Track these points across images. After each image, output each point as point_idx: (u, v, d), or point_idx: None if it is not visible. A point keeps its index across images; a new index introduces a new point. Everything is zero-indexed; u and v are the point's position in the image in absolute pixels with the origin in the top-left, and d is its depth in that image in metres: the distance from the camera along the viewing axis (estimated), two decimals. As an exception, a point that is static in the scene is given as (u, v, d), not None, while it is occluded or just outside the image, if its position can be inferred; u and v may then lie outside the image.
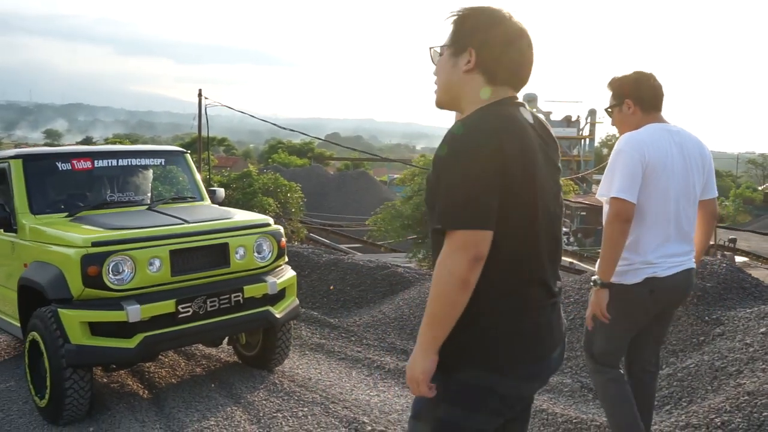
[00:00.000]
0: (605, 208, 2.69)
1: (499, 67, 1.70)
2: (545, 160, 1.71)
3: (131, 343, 3.89)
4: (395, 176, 43.26)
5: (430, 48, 1.81)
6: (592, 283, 2.71)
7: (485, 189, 1.53)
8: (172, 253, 4.10)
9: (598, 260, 2.69)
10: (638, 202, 2.62)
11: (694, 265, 2.84)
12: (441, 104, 1.81)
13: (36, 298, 4.17)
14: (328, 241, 23.68)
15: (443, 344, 1.60)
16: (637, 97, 2.81)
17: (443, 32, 1.77)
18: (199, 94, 18.01)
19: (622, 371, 2.92)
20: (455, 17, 1.74)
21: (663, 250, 2.69)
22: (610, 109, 2.92)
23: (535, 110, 2.23)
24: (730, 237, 29.68)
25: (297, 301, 4.77)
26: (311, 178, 37.88)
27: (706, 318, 4.63)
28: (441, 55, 1.77)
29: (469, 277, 1.52)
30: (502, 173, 1.55)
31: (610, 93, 2.91)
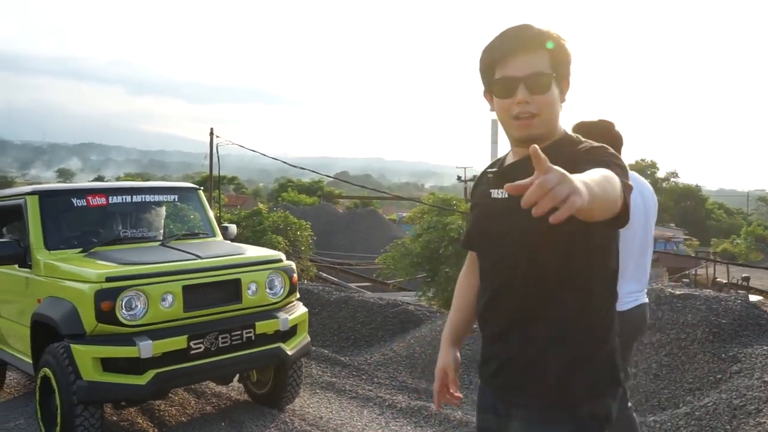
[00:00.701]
0: None
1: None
2: None
3: (143, 379, 3.87)
4: (404, 215, 43.31)
5: (539, 74, 1.58)
6: None
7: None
8: (185, 288, 4.11)
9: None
10: None
11: (647, 300, 3.03)
12: (534, 138, 1.56)
13: (48, 333, 4.17)
14: (337, 280, 23.63)
15: (567, 381, 1.54)
16: (616, 146, 2.86)
17: (536, 50, 1.57)
18: (211, 133, 18.26)
19: None
20: (558, 40, 1.58)
21: (625, 288, 2.77)
22: None
23: None
24: (744, 275, 29.35)
25: (308, 338, 4.75)
26: (320, 216, 37.99)
27: (723, 355, 4.56)
28: (543, 82, 1.57)
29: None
30: None
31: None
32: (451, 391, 1.86)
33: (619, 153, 2.66)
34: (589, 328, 1.57)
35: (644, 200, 2.95)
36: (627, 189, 1.36)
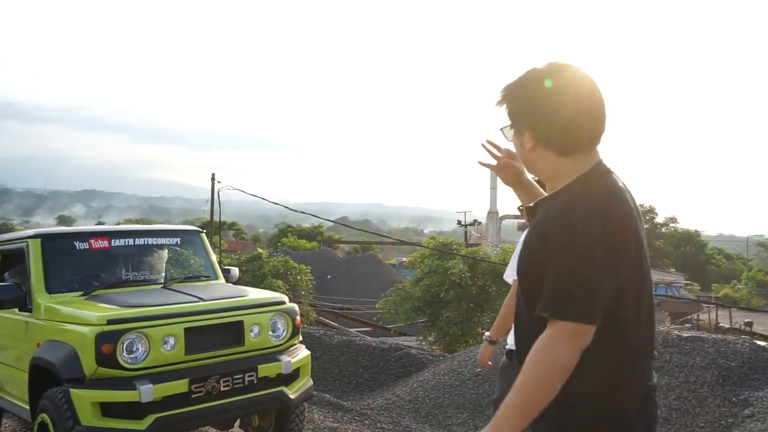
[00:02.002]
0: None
1: (560, 139, 1.61)
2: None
3: (142, 424, 3.79)
4: (404, 259, 43.18)
5: (501, 128, 1.77)
6: (485, 339, 3.38)
7: (600, 278, 1.46)
8: (187, 331, 4.06)
9: (495, 323, 3.31)
10: None
11: None
12: (536, 176, 1.83)
13: (47, 378, 4.10)
14: (337, 325, 23.41)
15: (562, 419, 1.54)
16: None
17: (500, 105, 1.72)
18: (212, 178, 18.37)
19: None
20: (504, 95, 1.68)
21: None
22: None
23: None
24: (746, 320, 29.14)
25: (311, 382, 4.67)
26: (320, 261, 37.86)
27: (734, 399, 4.48)
28: (507, 133, 1.76)
29: (571, 367, 1.46)
30: (618, 252, 1.50)
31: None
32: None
33: None
34: (582, 371, 1.50)
35: None
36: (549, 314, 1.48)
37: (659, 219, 60.21)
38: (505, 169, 2.00)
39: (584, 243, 1.47)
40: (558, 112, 1.58)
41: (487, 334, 3.41)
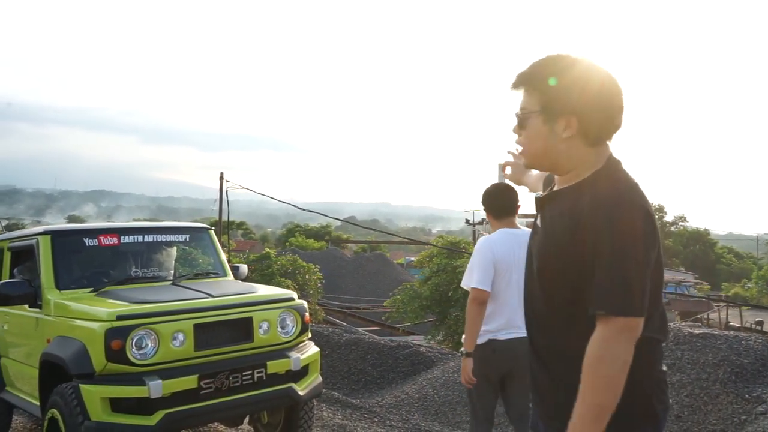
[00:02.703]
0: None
1: (600, 128, 1.60)
2: None
3: (152, 420, 3.79)
4: (412, 259, 43.12)
5: (516, 113, 1.68)
6: (460, 354, 3.43)
7: (646, 271, 1.49)
8: (196, 327, 4.05)
9: (465, 335, 3.42)
10: (492, 289, 3.40)
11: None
12: (533, 167, 1.77)
13: (56, 374, 4.11)
14: (345, 324, 23.41)
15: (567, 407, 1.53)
16: (489, 208, 3.57)
17: (521, 91, 1.66)
18: (221, 177, 18.42)
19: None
20: (536, 75, 1.62)
21: (503, 324, 3.43)
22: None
23: None
24: (757, 319, 28.94)
25: (320, 379, 4.66)
26: (328, 260, 37.87)
27: (747, 396, 4.44)
28: (525, 119, 1.65)
29: (630, 360, 1.48)
30: (655, 244, 1.53)
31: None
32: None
33: (511, 212, 3.51)
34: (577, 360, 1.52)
35: (521, 251, 3.10)
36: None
37: (668, 218, 59.87)
38: (513, 167, 2.26)
39: (633, 239, 1.48)
40: (604, 100, 1.58)
41: (462, 350, 3.47)
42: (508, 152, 2.42)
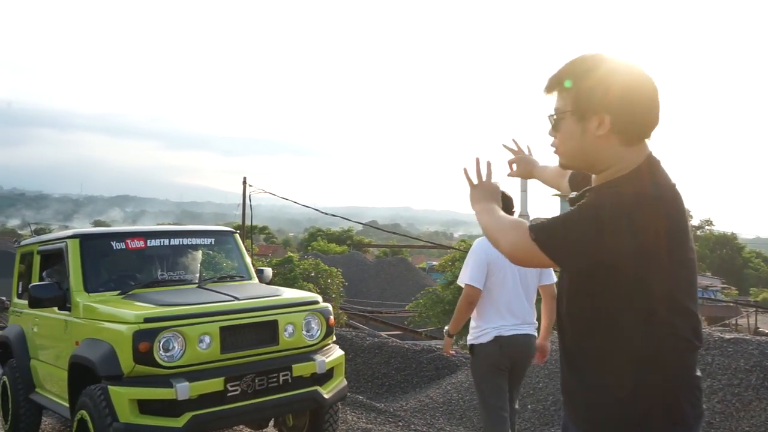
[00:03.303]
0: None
1: (635, 126, 1.58)
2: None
3: (179, 422, 3.81)
4: (434, 263, 42.97)
5: (549, 115, 1.68)
6: (444, 332, 4.03)
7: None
8: (222, 329, 4.07)
9: (451, 321, 3.88)
10: (485, 287, 3.72)
11: (530, 332, 3.83)
12: (568, 168, 1.78)
13: (85, 376, 4.16)
14: (367, 329, 23.38)
15: (610, 405, 1.57)
16: None
17: (553, 93, 1.66)
18: (244, 182, 18.55)
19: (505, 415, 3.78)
20: (568, 75, 1.62)
21: (504, 320, 3.75)
22: None
23: None
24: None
25: (345, 382, 4.65)
26: (350, 264, 37.91)
27: (780, 402, 4.33)
28: (559, 119, 1.65)
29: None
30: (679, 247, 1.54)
31: None
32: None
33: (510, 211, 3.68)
34: (636, 361, 1.54)
35: None
36: (533, 229, 1.58)
37: (694, 222, 59.01)
38: (518, 162, 2.34)
39: (656, 237, 1.49)
40: (640, 98, 1.57)
41: (446, 328, 4.00)
42: (504, 146, 2.41)
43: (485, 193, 1.88)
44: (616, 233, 1.47)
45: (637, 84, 1.58)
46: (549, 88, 1.67)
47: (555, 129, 1.68)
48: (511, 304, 3.76)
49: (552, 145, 1.72)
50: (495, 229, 1.70)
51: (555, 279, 3.86)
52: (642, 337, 1.53)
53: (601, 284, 1.54)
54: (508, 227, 1.65)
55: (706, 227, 61.49)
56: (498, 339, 3.72)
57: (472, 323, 3.88)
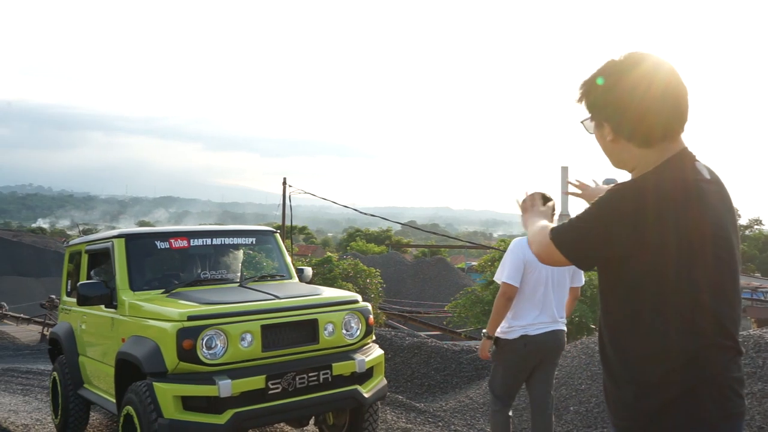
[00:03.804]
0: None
1: (640, 131, 1.63)
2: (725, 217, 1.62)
3: (221, 419, 3.86)
4: (473, 263, 42.69)
5: (581, 121, 1.82)
6: (482, 334, 4.06)
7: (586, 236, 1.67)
8: (264, 328, 4.12)
9: (489, 320, 3.98)
10: (520, 286, 3.88)
11: (559, 328, 4.00)
12: (618, 167, 1.83)
13: (131, 372, 4.25)
14: (406, 329, 23.37)
15: (648, 404, 1.57)
16: None
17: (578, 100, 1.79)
18: (284, 183, 18.73)
19: (510, 412, 4.05)
20: (585, 86, 1.73)
21: (533, 319, 3.92)
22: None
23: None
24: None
25: (385, 381, 4.65)
26: (389, 264, 37.94)
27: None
28: (588, 127, 1.79)
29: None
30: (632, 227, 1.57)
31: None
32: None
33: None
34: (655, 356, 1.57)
35: None
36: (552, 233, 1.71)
37: (743, 221, 57.27)
38: (588, 199, 2.33)
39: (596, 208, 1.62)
40: (630, 106, 1.62)
41: (484, 330, 4.07)
42: (568, 193, 2.49)
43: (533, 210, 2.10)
44: (620, 230, 1.53)
45: (641, 89, 1.60)
46: (578, 98, 1.78)
47: (589, 132, 1.80)
48: (543, 303, 3.94)
49: None
50: (530, 234, 1.92)
51: (583, 281, 4.13)
52: (659, 335, 1.55)
53: (617, 281, 1.61)
54: (537, 230, 1.82)
55: (755, 227, 59.59)
56: (524, 338, 3.92)
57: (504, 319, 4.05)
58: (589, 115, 1.74)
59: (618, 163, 1.74)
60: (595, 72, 1.70)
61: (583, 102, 1.73)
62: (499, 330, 3.99)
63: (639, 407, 1.57)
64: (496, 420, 4.06)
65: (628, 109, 1.61)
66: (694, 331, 1.54)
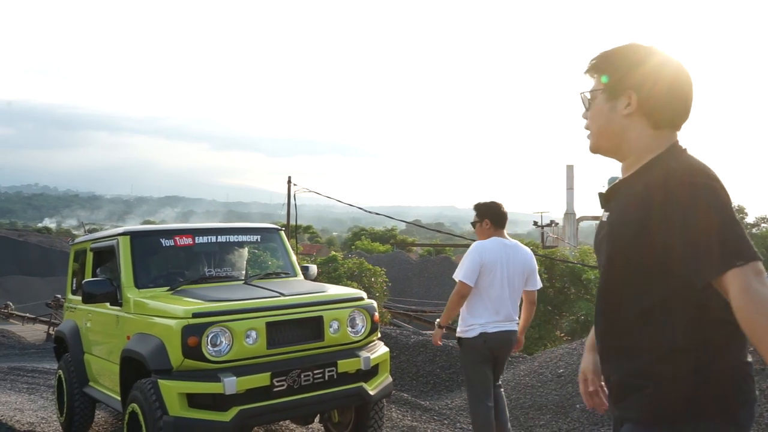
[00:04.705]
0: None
1: (663, 108, 1.60)
2: None
3: (227, 416, 3.85)
4: (478, 262, 42.56)
5: (581, 93, 1.74)
6: (435, 324, 4.45)
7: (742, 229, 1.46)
8: (269, 325, 4.10)
9: (443, 313, 4.34)
10: (476, 285, 4.18)
11: (513, 328, 4.30)
12: (597, 150, 1.74)
13: (136, 370, 4.25)
14: (412, 327, 23.35)
15: (665, 396, 1.52)
16: (492, 218, 4.35)
17: (589, 75, 1.71)
18: (289, 181, 18.75)
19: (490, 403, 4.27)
20: (604, 57, 1.67)
21: (490, 317, 4.21)
22: (473, 223, 4.44)
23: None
24: None
25: (390, 379, 4.64)
26: (394, 263, 37.96)
27: None
28: (592, 99, 1.70)
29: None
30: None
31: (474, 212, 4.43)
32: (590, 390, 1.90)
33: (503, 225, 4.34)
34: (679, 346, 1.52)
35: (510, 260, 4.25)
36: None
37: (749, 219, 57.01)
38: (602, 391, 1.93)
39: (723, 206, 1.44)
40: (661, 80, 1.59)
41: (438, 320, 4.39)
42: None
43: None
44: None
45: (671, 69, 1.60)
46: (587, 70, 1.71)
47: (587, 108, 1.72)
48: (497, 303, 4.22)
49: (585, 128, 1.74)
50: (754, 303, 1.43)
51: (539, 286, 4.40)
52: (678, 326, 1.51)
53: (657, 269, 1.52)
54: (761, 304, 1.42)
55: (762, 225, 59.34)
56: (483, 335, 4.20)
57: (461, 318, 4.31)
58: (597, 87, 1.67)
59: (608, 141, 1.67)
60: (619, 46, 1.66)
61: (604, 68, 1.65)
62: (459, 330, 4.31)
63: (658, 399, 1.53)
64: (476, 412, 4.28)
65: (659, 82, 1.58)
66: (713, 320, 1.51)
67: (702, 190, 1.45)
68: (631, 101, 1.60)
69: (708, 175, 1.49)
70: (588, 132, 1.73)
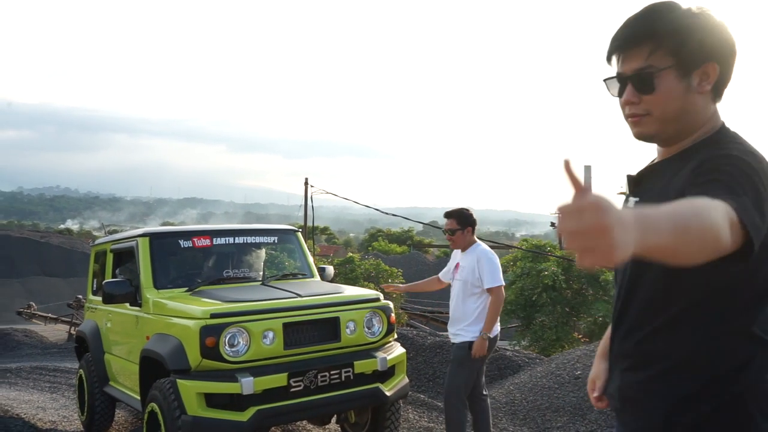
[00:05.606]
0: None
1: (728, 78, 1.39)
2: None
3: (244, 416, 3.89)
4: (495, 263, 42.38)
5: (641, 70, 1.39)
6: (483, 336, 4.28)
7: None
8: (285, 326, 4.13)
9: (487, 322, 4.28)
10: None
11: (467, 339, 4.35)
12: (650, 138, 1.45)
13: (156, 370, 4.30)
14: (428, 329, 23.30)
15: (673, 413, 1.35)
16: (473, 226, 4.52)
17: (641, 43, 1.38)
18: (306, 182, 18.81)
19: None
20: (659, 25, 1.36)
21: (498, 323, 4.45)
22: (453, 231, 4.51)
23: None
24: None
25: (406, 379, 4.65)
26: (411, 264, 37.92)
27: None
28: (657, 77, 1.37)
29: (723, 245, 1.11)
30: None
31: (452, 220, 4.53)
32: (595, 395, 1.68)
33: (473, 231, 4.52)
34: (700, 359, 1.34)
35: (469, 263, 4.39)
36: (744, 217, 1.12)
37: None
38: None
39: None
40: (731, 39, 1.38)
41: (485, 332, 4.28)
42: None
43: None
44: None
45: (723, 25, 1.38)
46: (636, 41, 1.38)
47: (644, 91, 1.38)
48: (455, 312, 4.44)
49: (633, 113, 1.42)
50: (707, 221, 1.09)
51: (489, 285, 4.39)
52: (713, 336, 1.34)
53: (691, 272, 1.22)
54: (715, 212, 1.15)
55: None
56: (492, 339, 4.33)
57: (471, 322, 4.33)
58: (663, 63, 1.35)
59: (676, 125, 1.39)
60: (665, 10, 1.37)
61: (667, 43, 1.35)
62: (470, 335, 4.31)
63: (678, 418, 1.35)
64: (459, 419, 4.32)
65: (729, 43, 1.36)
66: (750, 332, 1.33)
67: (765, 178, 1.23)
68: (711, 73, 1.36)
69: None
70: (634, 117, 1.42)
